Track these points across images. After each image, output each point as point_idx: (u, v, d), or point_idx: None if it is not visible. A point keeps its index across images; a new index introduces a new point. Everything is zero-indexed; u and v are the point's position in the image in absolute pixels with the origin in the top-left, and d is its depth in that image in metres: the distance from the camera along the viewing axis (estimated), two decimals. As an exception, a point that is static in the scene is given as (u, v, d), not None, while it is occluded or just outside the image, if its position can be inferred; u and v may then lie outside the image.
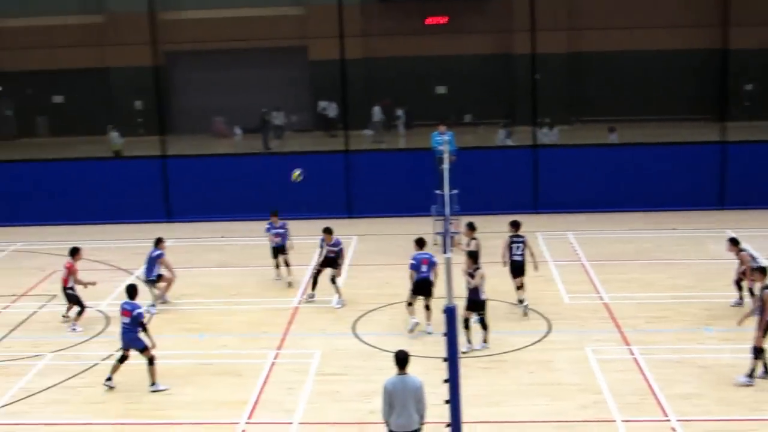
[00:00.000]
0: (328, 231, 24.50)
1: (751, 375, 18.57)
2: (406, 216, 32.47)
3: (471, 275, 20.48)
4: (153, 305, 24.22)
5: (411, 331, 21.39)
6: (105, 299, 24.54)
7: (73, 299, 23.18)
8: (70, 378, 20.02)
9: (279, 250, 26.42)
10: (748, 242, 25.20)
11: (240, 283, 26.60)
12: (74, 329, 22.92)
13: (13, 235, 33.04)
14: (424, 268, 21.51)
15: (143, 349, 19.17)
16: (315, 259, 24.59)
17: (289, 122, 48.11)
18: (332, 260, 24.35)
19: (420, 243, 22.18)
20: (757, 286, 19.34)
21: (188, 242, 31.06)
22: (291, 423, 17.67)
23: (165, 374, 19.64)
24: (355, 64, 41.14)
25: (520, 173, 33.58)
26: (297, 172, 25.80)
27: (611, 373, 19.35)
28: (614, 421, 17.27)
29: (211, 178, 34.01)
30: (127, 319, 19.17)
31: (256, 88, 47.34)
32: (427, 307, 21.69)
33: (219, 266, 28.46)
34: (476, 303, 20.57)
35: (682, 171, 33.15)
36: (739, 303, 22.92)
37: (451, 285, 12.93)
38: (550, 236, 30.29)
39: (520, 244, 23.22)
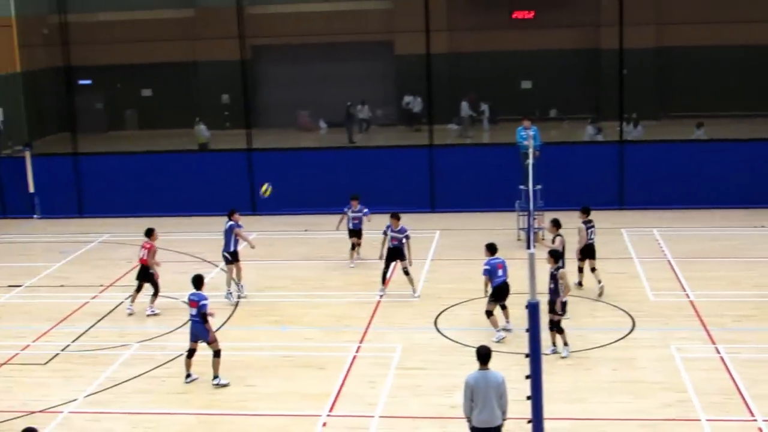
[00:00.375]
0: (395, 216, 24.35)
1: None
2: (489, 211, 32.35)
3: (553, 275, 20.19)
4: (230, 293, 24.52)
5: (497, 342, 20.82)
6: (190, 290, 24.74)
7: (152, 279, 23.64)
8: (155, 368, 20.31)
9: (354, 233, 27.06)
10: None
11: (323, 277, 26.74)
12: (153, 312, 23.49)
13: (102, 226, 33.60)
14: (500, 272, 21.10)
15: (210, 341, 19.33)
16: (381, 246, 24.63)
17: (374, 116, 48.39)
18: (397, 250, 24.20)
19: (492, 249, 21.56)
20: None
21: (273, 235, 31.29)
22: (372, 416, 17.71)
23: (247, 366, 19.93)
24: (441, 58, 41.12)
25: (606, 169, 33.20)
26: (265, 186, 25.57)
27: (696, 371, 19.07)
28: (699, 420, 17.02)
29: (296, 171, 34.23)
30: (194, 310, 19.31)
31: (342, 82, 47.58)
32: (503, 307, 21.47)
33: (303, 259, 28.61)
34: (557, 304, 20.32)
35: (771, 167, 32.57)
36: None
37: (534, 281, 12.84)
38: (636, 233, 29.94)
39: (592, 228, 23.95)
